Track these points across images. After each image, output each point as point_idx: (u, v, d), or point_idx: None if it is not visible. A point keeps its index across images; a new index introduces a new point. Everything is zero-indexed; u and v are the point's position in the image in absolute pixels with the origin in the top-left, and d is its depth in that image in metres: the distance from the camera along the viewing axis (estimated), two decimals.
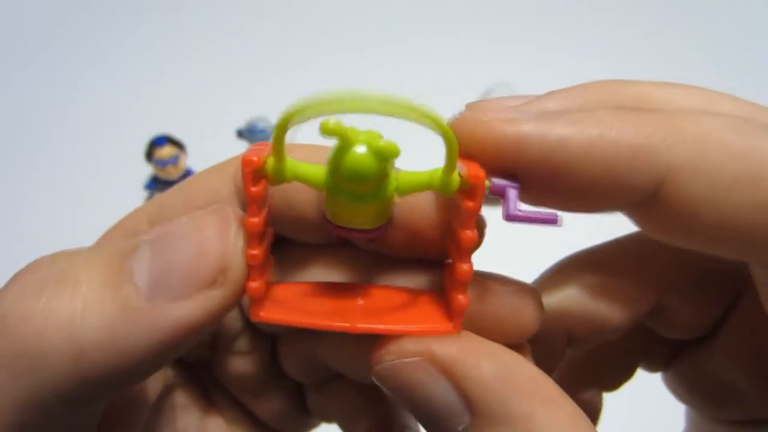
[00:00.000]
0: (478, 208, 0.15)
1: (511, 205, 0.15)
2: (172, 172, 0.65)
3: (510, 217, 0.15)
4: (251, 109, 0.69)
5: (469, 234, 0.15)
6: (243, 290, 0.15)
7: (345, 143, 0.15)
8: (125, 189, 0.67)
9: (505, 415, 0.14)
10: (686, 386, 0.23)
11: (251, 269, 0.15)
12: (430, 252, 0.18)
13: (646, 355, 0.23)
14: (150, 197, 0.67)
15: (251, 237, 0.15)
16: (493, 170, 0.16)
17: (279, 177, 0.16)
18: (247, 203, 0.15)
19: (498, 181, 0.15)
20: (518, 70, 0.75)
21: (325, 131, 0.14)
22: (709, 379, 0.22)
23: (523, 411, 0.14)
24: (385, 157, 0.15)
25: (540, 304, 0.18)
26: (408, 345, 0.15)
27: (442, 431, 0.15)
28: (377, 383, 0.16)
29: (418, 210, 0.17)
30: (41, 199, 0.67)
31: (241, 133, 0.68)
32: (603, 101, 0.16)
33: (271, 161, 0.16)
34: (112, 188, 0.68)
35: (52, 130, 0.75)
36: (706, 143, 0.14)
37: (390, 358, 0.16)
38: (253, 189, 0.15)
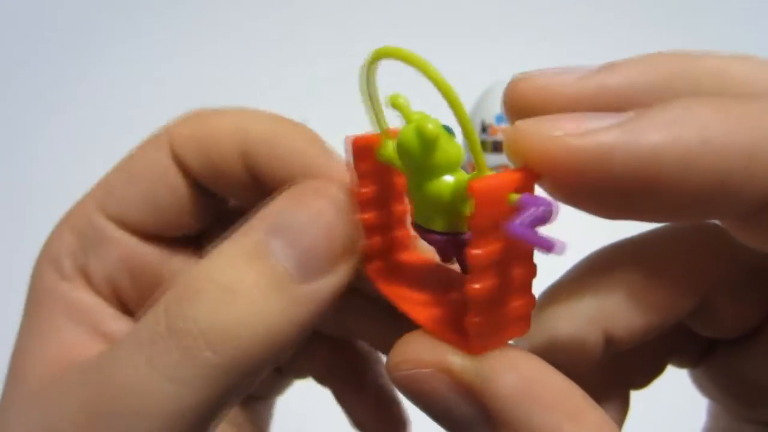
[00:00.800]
0: (478, 224, 0.13)
1: (523, 221, 0.13)
2: None
3: (514, 229, 0.13)
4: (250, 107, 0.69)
5: (472, 251, 0.14)
6: (362, 256, 0.18)
7: (405, 119, 0.16)
8: None
9: (528, 430, 0.14)
10: (717, 384, 0.22)
11: (367, 231, 0.18)
12: None
13: (677, 352, 0.22)
14: None
15: (363, 204, 0.17)
16: (565, 189, 0.13)
17: (381, 152, 0.17)
18: (358, 177, 0.17)
19: (529, 198, 0.13)
20: (518, 71, 0.75)
21: (393, 104, 0.16)
22: (742, 378, 0.20)
23: (548, 425, 0.13)
24: (426, 139, 0.14)
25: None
26: (424, 355, 0.15)
27: None
28: (395, 386, 0.16)
29: None
30: (42, 198, 0.67)
31: None
32: (676, 79, 0.14)
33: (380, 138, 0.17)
34: None
35: (52, 130, 0.75)
36: None
37: (406, 367, 0.15)
38: (362, 165, 0.17)
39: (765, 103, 0.13)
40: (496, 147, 0.60)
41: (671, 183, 0.12)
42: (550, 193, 0.14)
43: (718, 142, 0.12)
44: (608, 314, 0.18)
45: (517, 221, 0.12)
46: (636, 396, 0.24)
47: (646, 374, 0.22)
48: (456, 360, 0.15)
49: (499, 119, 0.60)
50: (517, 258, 0.14)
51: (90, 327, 0.20)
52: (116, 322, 0.21)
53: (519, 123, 0.14)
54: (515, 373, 0.14)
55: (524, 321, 0.15)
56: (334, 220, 0.17)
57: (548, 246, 0.12)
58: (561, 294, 0.19)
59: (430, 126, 0.14)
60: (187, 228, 0.22)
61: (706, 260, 0.18)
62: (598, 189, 0.13)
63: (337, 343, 0.24)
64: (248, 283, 0.16)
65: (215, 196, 0.21)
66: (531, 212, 0.13)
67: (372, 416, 0.25)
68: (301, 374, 0.26)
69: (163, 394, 0.15)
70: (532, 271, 0.15)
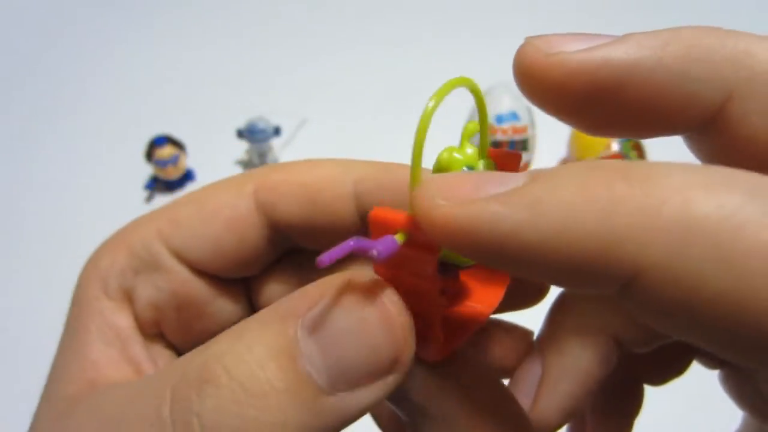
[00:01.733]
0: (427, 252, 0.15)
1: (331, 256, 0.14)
2: (172, 172, 0.65)
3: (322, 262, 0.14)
4: (251, 109, 0.69)
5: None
6: (413, 362, 0.16)
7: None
8: (125, 189, 0.67)
9: None
10: (736, 390, 0.22)
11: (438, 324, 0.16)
12: None
13: (702, 352, 0.22)
14: (150, 197, 0.67)
15: (438, 294, 0.16)
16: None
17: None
18: (428, 268, 0.15)
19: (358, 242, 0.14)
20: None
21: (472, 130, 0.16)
22: (760, 386, 0.20)
23: None
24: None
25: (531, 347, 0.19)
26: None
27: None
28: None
29: None
30: (42, 198, 0.67)
31: (241, 133, 0.68)
32: (691, 62, 0.15)
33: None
34: (112, 188, 0.68)
35: (52, 129, 0.75)
36: None
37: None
38: (431, 256, 0.15)
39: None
40: (497, 147, 0.60)
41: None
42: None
43: (572, 235, 0.12)
44: (617, 319, 0.18)
45: (326, 256, 0.14)
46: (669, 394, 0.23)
47: (665, 372, 0.22)
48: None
49: (499, 119, 0.60)
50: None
51: (120, 350, 0.20)
52: (145, 350, 0.20)
53: (425, 181, 0.14)
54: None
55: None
56: (377, 334, 0.15)
57: (351, 249, 0.14)
58: (573, 298, 0.19)
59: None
60: (246, 273, 0.21)
61: None
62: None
63: (312, 272, 0.22)
64: (268, 388, 0.14)
65: (285, 244, 0.21)
66: (342, 248, 0.14)
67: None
68: None
69: None
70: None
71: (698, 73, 0.14)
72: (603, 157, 0.60)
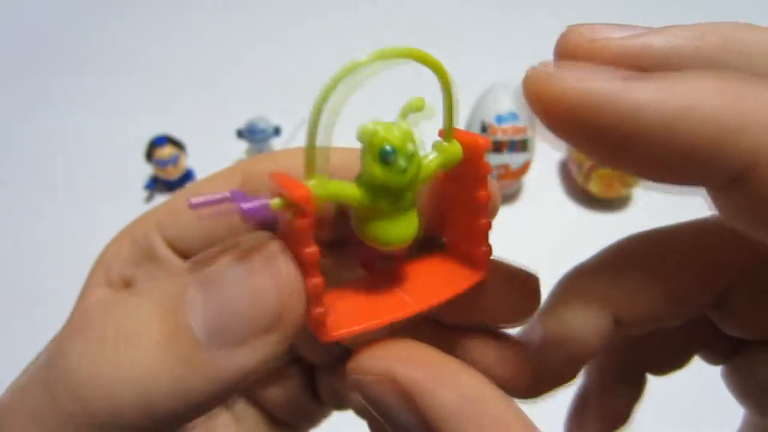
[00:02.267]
0: (489, 170, 0.17)
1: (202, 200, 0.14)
2: (172, 172, 0.65)
3: (193, 205, 0.14)
4: (251, 109, 0.69)
5: (484, 193, 0.17)
6: (299, 328, 0.15)
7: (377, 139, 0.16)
8: (125, 189, 0.67)
9: None
10: (739, 386, 0.22)
11: (314, 297, 0.15)
12: (430, 225, 0.19)
13: (706, 346, 0.22)
14: (150, 197, 0.67)
15: (311, 266, 0.15)
16: (569, 132, 0.15)
17: (319, 201, 0.16)
18: (301, 235, 0.15)
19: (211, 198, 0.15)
20: (518, 70, 0.75)
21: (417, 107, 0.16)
22: (761, 384, 0.21)
23: None
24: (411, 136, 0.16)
25: (538, 293, 0.18)
26: (372, 363, 0.15)
27: None
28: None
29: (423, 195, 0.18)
30: (42, 198, 0.67)
31: (241, 133, 0.68)
32: (725, 51, 0.14)
33: (314, 190, 0.15)
34: (112, 188, 0.68)
35: (52, 130, 0.75)
36: None
37: (356, 374, 0.16)
38: (304, 221, 0.15)
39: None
40: (497, 147, 0.60)
41: (650, 139, 0.13)
42: (552, 130, 0.15)
43: (699, 113, 0.13)
44: (618, 297, 0.18)
45: (198, 199, 0.14)
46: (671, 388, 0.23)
47: (667, 363, 0.22)
48: (401, 369, 0.15)
49: (498, 119, 0.60)
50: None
51: None
52: None
53: (534, 69, 0.15)
54: (456, 390, 0.15)
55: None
56: (264, 285, 0.14)
57: (226, 199, 0.14)
58: (580, 274, 0.20)
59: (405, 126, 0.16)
60: None
61: (724, 257, 0.18)
62: (586, 131, 0.14)
63: None
64: (144, 336, 0.14)
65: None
66: (217, 196, 0.14)
67: None
68: (340, 403, 0.24)
69: None
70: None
71: (733, 63, 0.14)
72: None
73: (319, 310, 0.16)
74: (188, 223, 0.20)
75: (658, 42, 0.15)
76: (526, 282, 0.19)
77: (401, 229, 0.17)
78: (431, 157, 0.17)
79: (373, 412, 0.16)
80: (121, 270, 0.20)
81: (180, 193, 0.21)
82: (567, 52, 0.15)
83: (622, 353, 0.22)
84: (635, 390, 0.23)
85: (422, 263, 0.19)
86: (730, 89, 0.13)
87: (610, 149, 0.14)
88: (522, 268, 0.19)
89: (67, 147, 0.73)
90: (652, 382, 0.23)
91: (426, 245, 0.19)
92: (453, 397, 0.14)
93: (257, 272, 0.15)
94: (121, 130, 0.74)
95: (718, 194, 0.15)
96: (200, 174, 0.68)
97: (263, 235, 0.16)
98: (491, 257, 0.18)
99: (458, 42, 0.83)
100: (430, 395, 0.14)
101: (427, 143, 0.17)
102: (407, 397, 0.15)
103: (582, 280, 0.19)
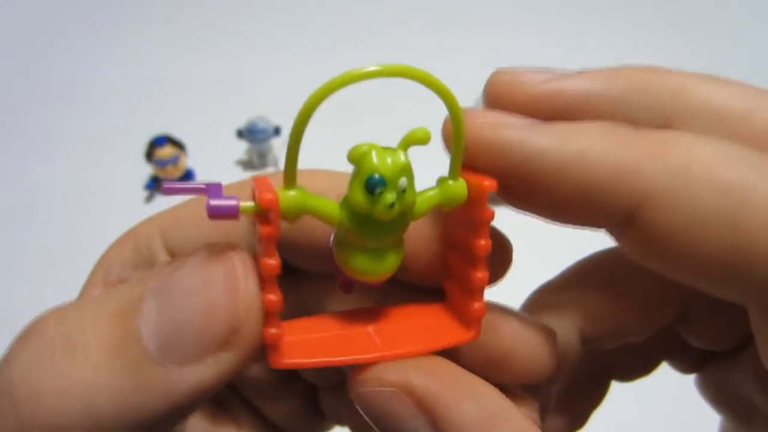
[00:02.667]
0: (492, 217, 0.15)
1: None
2: (172, 172, 0.65)
3: (166, 190, 0.14)
4: (251, 109, 0.69)
5: (483, 243, 0.15)
6: (257, 347, 0.14)
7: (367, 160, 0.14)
8: (125, 189, 0.67)
9: None
10: (712, 395, 0.22)
11: (270, 315, 0.14)
12: (429, 271, 0.18)
13: (672, 355, 0.22)
14: (150, 197, 0.67)
15: (269, 280, 0.14)
16: (478, 170, 0.16)
17: (289, 210, 0.14)
18: (262, 244, 0.14)
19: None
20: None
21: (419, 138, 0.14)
22: (734, 392, 0.21)
23: None
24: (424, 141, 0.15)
25: (555, 346, 0.17)
26: (388, 374, 0.15)
27: None
28: (356, 406, 0.15)
29: (420, 232, 0.17)
30: (42, 198, 0.67)
31: (241, 133, 0.68)
32: (635, 93, 0.16)
33: (284, 197, 0.14)
34: (112, 188, 0.68)
35: (52, 129, 0.75)
36: (689, 174, 0.14)
37: (369, 385, 0.15)
38: (267, 228, 0.14)
39: (650, 137, 0.15)
40: None
41: (549, 179, 0.15)
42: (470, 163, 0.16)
43: (591, 157, 0.14)
44: (583, 313, 0.19)
45: (171, 184, 0.14)
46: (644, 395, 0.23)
47: (633, 370, 0.23)
48: (419, 380, 0.14)
49: None
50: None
51: None
52: None
53: (467, 111, 0.16)
54: (477, 404, 0.14)
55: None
56: (219, 298, 0.14)
57: (202, 190, 0.14)
58: (548, 290, 0.20)
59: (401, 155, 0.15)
60: None
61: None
62: (498, 170, 0.15)
63: None
64: (93, 343, 0.13)
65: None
66: (192, 186, 0.14)
67: None
68: (341, 420, 0.24)
69: None
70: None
71: (641, 104, 0.15)
72: None
73: (271, 330, 0.14)
74: (191, 232, 0.19)
75: (571, 86, 0.16)
76: (504, 246, 0.18)
77: (377, 263, 0.15)
78: (431, 193, 0.16)
79: (379, 429, 0.15)
80: (120, 272, 0.20)
81: (187, 203, 0.21)
82: (493, 94, 0.17)
83: (588, 359, 0.22)
84: (597, 395, 0.23)
85: (413, 308, 0.17)
86: (618, 136, 0.15)
87: (518, 189, 0.15)
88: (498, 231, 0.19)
89: (67, 147, 0.73)
90: (632, 386, 0.23)
91: (426, 292, 0.18)
92: (473, 411, 0.14)
93: (213, 283, 0.14)
94: (121, 130, 0.74)
95: (616, 235, 0.16)
96: (200, 174, 0.68)
97: (227, 244, 0.15)
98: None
99: (457, 41, 0.84)
100: (451, 408, 0.14)
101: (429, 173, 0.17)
102: (426, 410, 0.14)
103: (549, 296, 0.20)
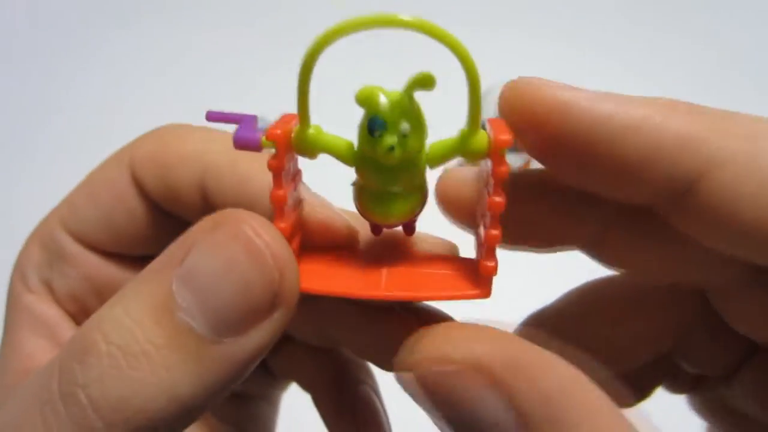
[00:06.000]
0: (506, 174, 0.15)
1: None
2: None
3: (210, 117, 0.16)
4: (251, 108, 0.69)
5: (497, 200, 0.15)
6: (298, 296, 0.15)
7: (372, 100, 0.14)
8: None
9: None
10: (708, 414, 0.22)
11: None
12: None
13: (668, 378, 0.22)
14: None
15: (278, 210, 0.15)
16: (534, 140, 0.16)
17: (302, 146, 0.15)
18: (272, 176, 0.15)
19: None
20: (518, 70, 0.75)
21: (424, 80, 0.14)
22: (730, 410, 0.21)
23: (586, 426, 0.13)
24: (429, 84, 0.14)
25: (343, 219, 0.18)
26: (451, 351, 0.14)
27: None
28: (405, 390, 0.14)
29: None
30: (39, 198, 0.67)
31: None
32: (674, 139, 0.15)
33: (297, 134, 0.15)
34: None
35: (50, 129, 0.75)
36: (758, 141, 0.14)
37: (432, 366, 0.14)
38: (273, 161, 0.15)
39: (713, 112, 0.14)
40: None
41: (614, 148, 0.15)
42: (526, 137, 0.16)
43: (656, 122, 0.14)
44: (584, 345, 0.19)
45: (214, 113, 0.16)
46: None
47: (630, 395, 0.22)
48: (487, 356, 0.13)
49: None
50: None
51: (51, 339, 0.20)
52: None
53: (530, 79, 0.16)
54: (552, 375, 0.13)
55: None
56: (249, 272, 0.14)
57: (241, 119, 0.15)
58: (541, 317, 0.20)
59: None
60: (145, 249, 0.21)
61: (675, 307, 0.19)
62: (558, 138, 0.15)
63: (318, 351, 0.23)
64: (149, 346, 0.14)
65: (175, 218, 0.21)
66: (232, 115, 0.16)
67: (349, 424, 0.24)
68: (290, 378, 0.25)
69: None
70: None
71: (676, 141, 0.15)
72: None
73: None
74: (87, 214, 0.20)
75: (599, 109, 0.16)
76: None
77: (389, 206, 0.16)
78: (447, 142, 0.16)
79: (442, 416, 0.14)
80: (37, 275, 0.20)
81: (78, 187, 0.21)
82: (513, 100, 0.17)
83: None
84: None
85: (436, 258, 0.18)
86: (681, 108, 0.15)
87: (581, 157, 0.15)
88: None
89: (67, 147, 0.73)
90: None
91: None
92: (550, 382, 0.13)
93: (238, 264, 0.14)
94: (121, 130, 0.74)
95: (671, 206, 0.15)
96: None
97: (230, 212, 0.15)
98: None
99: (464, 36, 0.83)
100: (526, 381, 0.13)
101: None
102: (499, 387, 0.13)
103: (539, 328, 0.20)
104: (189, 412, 0.14)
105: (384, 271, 0.17)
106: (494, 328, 0.15)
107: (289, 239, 0.15)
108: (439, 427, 0.14)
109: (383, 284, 0.16)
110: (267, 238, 0.14)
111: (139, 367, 0.14)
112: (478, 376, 0.13)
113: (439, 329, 0.14)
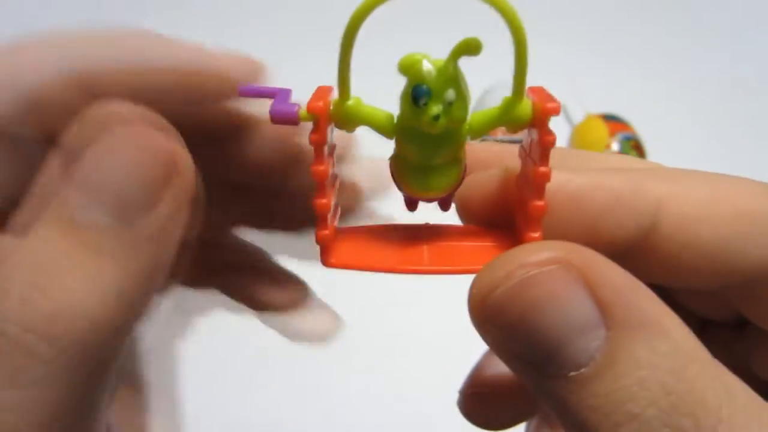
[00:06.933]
0: (554, 142, 0.14)
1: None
2: None
3: (242, 93, 0.16)
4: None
5: (543, 170, 0.14)
6: (190, 157, 0.15)
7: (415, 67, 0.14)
8: None
9: (640, 320, 0.13)
10: None
11: (321, 218, 0.15)
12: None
13: None
14: None
15: (319, 185, 0.15)
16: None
17: (342, 119, 0.15)
18: (313, 151, 0.14)
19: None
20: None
21: (471, 46, 0.14)
22: (733, 363, 0.21)
23: (654, 316, 0.13)
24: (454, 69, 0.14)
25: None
26: (534, 256, 0.14)
27: (570, 357, 0.13)
28: (484, 316, 0.14)
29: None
30: None
31: None
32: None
33: (336, 106, 0.15)
34: None
35: None
36: (687, 179, 0.17)
37: (524, 271, 0.13)
38: (314, 135, 0.14)
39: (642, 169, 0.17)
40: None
41: (572, 206, 0.16)
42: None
43: (604, 184, 0.17)
44: None
45: (246, 88, 0.16)
46: None
47: None
48: (569, 254, 0.14)
49: None
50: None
51: None
52: None
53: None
54: (617, 267, 0.14)
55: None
56: (135, 154, 0.14)
57: (277, 92, 0.15)
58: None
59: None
60: None
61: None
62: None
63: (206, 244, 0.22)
64: (63, 259, 0.14)
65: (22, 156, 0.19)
66: (266, 90, 0.16)
67: (272, 290, 0.24)
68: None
69: (10, 404, 0.13)
70: None
71: (624, 199, 0.17)
72: None
73: (323, 232, 0.15)
74: None
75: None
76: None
77: (430, 179, 0.15)
78: (492, 111, 0.15)
79: (520, 332, 0.14)
80: None
81: None
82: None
83: None
84: None
85: (480, 232, 0.17)
86: (633, 175, 0.17)
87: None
88: None
89: None
90: None
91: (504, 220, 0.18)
92: (620, 272, 0.14)
93: (122, 140, 0.14)
94: None
95: (636, 249, 0.17)
96: None
97: (107, 107, 0.15)
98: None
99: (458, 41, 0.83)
100: (604, 272, 0.14)
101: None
102: (585, 280, 0.13)
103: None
104: (130, 306, 0.14)
105: (424, 246, 0.16)
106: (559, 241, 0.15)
107: (330, 217, 0.15)
108: (511, 362, 0.14)
109: (426, 259, 0.16)
110: (142, 114, 0.15)
111: (61, 285, 0.14)
112: (569, 273, 0.13)
113: (518, 248, 0.14)
